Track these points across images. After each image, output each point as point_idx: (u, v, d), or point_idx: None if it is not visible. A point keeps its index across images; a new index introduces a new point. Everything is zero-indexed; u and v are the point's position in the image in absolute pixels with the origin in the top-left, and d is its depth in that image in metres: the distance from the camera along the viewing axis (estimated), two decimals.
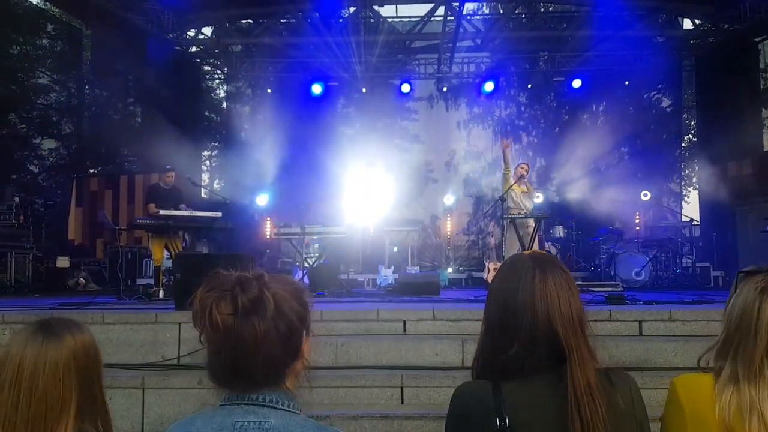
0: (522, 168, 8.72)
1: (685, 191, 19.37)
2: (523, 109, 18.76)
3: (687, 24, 14.59)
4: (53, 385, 1.45)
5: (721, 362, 1.52)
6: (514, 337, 1.37)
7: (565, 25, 14.51)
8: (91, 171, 15.87)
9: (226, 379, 1.26)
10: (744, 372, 1.47)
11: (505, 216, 8.05)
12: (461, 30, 13.62)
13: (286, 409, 1.27)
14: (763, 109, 14.63)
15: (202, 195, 14.51)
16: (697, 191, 17.03)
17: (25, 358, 1.45)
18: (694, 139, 17.89)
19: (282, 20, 14.50)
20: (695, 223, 12.90)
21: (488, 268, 10.06)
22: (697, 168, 16.97)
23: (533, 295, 1.38)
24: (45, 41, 15.31)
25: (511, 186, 8.43)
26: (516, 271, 1.44)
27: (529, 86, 16.58)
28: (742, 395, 1.45)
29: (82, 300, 7.00)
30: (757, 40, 13.75)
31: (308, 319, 1.32)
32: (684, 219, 12.00)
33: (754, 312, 1.49)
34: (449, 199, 15.20)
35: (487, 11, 16.37)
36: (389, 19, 15.35)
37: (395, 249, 12.23)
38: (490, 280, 8.67)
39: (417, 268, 11.63)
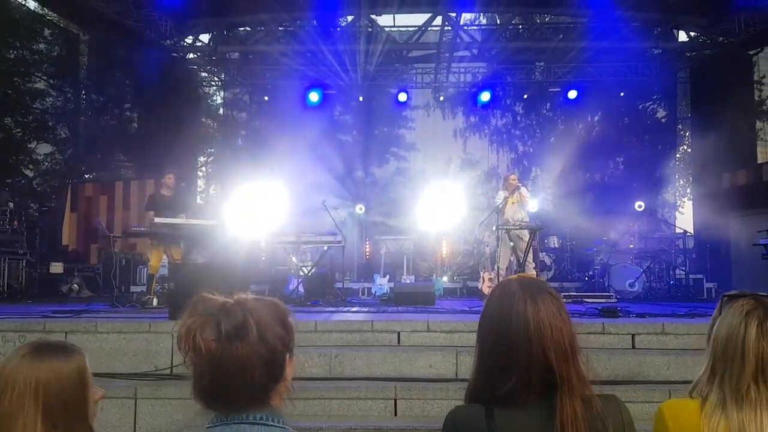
0: (512, 179, 8.77)
1: (679, 202, 19.47)
2: (519, 118, 18.86)
3: (682, 36, 14.71)
4: (18, 407, 1.41)
5: (708, 387, 1.54)
6: (512, 371, 1.37)
7: (561, 36, 14.59)
8: (87, 176, 15.84)
9: (211, 402, 1.28)
10: (731, 396, 1.48)
11: (499, 226, 8.07)
12: (458, 40, 13.69)
13: (277, 425, 1.29)
14: (757, 121, 14.72)
15: (198, 202, 14.50)
16: (691, 202, 17.12)
17: (1, 376, 1.44)
18: (689, 150, 17.99)
19: (280, 28, 14.54)
20: (689, 234, 12.96)
21: (483, 277, 10.07)
22: (691, 179, 17.06)
23: (528, 326, 1.38)
24: (42, 46, 15.31)
25: (505, 199, 8.46)
26: (507, 300, 1.43)
27: (525, 96, 16.66)
28: (730, 419, 1.46)
29: (76, 308, 6.97)
30: (751, 52, 13.86)
31: (292, 342, 1.35)
32: (678, 230, 12.05)
33: (740, 335, 1.50)
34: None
35: (484, 22, 16.46)
36: (387, 29, 15.41)
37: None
38: (484, 290, 8.73)
39: (412, 277, 11.63)
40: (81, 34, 15.44)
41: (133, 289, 10.24)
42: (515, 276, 1.53)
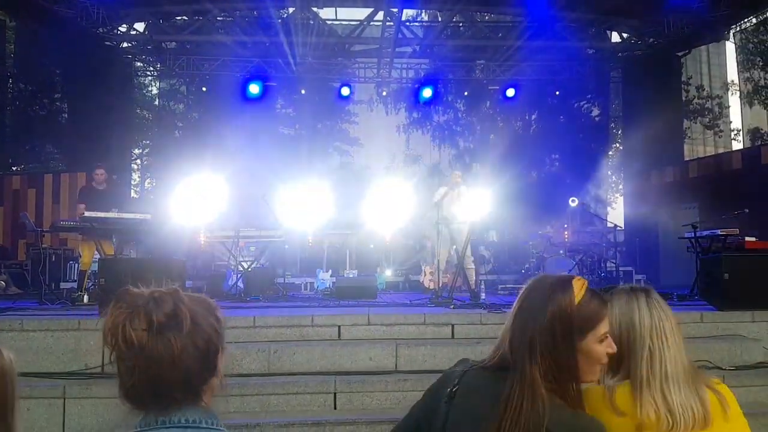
0: (455, 176, 8.97)
1: (611, 197, 20.25)
2: (460, 115, 19.16)
3: (615, 37, 15.25)
4: None
5: (624, 372, 1.61)
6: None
7: (500, 34, 14.89)
8: (14, 168, 15.11)
9: (143, 400, 1.20)
10: (650, 376, 1.57)
11: (438, 221, 8.18)
12: (400, 36, 13.76)
13: (211, 427, 1.23)
14: (685, 120, 15.45)
15: (133, 195, 14.04)
16: (622, 198, 17.82)
17: None
18: (621, 148, 18.73)
19: (218, 18, 14.21)
20: (619, 228, 13.50)
21: (425, 271, 10.20)
22: (622, 175, 17.76)
23: (545, 305, 1.46)
24: None
25: (446, 194, 8.60)
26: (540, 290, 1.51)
27: (466, 93, 16.92)
28: (656, 398, 1.55)
29: (0, 305, 6.63)
30: (679, 54, 14.53)
31: (223, 335, 1.30)
32: (609, 225, 12.56)
33: (634, 316, 1.63)
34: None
35: (425, 18, 16.61)
36: (329, 22, 15.32)
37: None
38: (426, 284, 8.81)
39: (355, 272, 11.62)
40: (8, 20, 14.67)
41: (63, 285, 9.81)
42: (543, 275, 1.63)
